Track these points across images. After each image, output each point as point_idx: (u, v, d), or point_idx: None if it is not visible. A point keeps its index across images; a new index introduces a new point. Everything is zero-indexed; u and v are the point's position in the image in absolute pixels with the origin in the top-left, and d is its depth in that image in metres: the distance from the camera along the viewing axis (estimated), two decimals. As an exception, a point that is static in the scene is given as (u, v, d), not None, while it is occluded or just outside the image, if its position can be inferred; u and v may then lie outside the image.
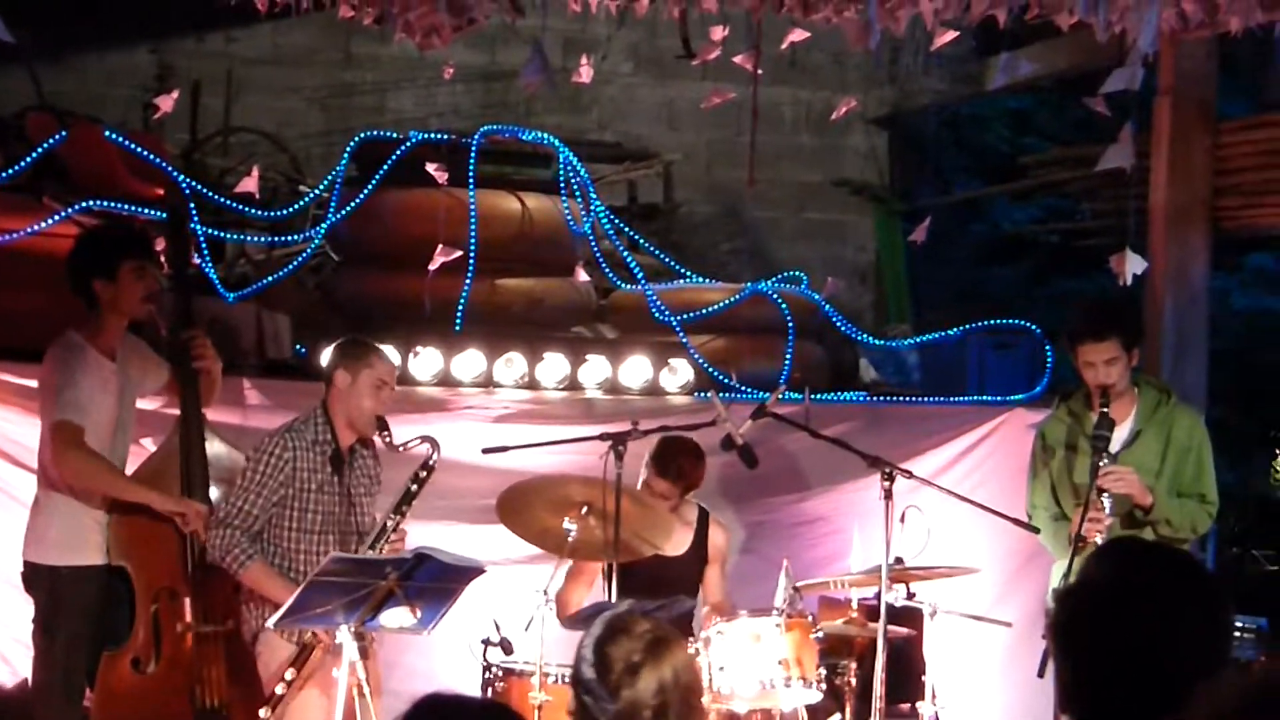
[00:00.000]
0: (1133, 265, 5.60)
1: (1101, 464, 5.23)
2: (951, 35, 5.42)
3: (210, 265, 6.84)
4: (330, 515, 5.12)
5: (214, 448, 5.39)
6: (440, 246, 6.64)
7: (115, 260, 5.30)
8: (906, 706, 5.76)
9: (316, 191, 7.48)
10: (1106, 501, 5.24)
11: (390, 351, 6.45)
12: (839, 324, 7.54)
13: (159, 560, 5.25)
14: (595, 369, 6.70)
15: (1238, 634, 6.42)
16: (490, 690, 5.16)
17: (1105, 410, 5.32)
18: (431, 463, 5.26)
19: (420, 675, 6.16)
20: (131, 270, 5.32)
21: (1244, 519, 9.64)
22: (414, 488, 5.22)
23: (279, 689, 4.94)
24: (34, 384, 5.43)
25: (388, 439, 5.19)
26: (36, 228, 6.32)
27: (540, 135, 7.51)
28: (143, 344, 5.64)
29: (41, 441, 5.33)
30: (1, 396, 5.89)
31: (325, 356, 5.41)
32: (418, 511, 6.20)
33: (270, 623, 4.77)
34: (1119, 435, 5.47)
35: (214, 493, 5.29)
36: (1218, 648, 2.26)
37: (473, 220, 6.90)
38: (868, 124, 10.67)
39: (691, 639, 5.10)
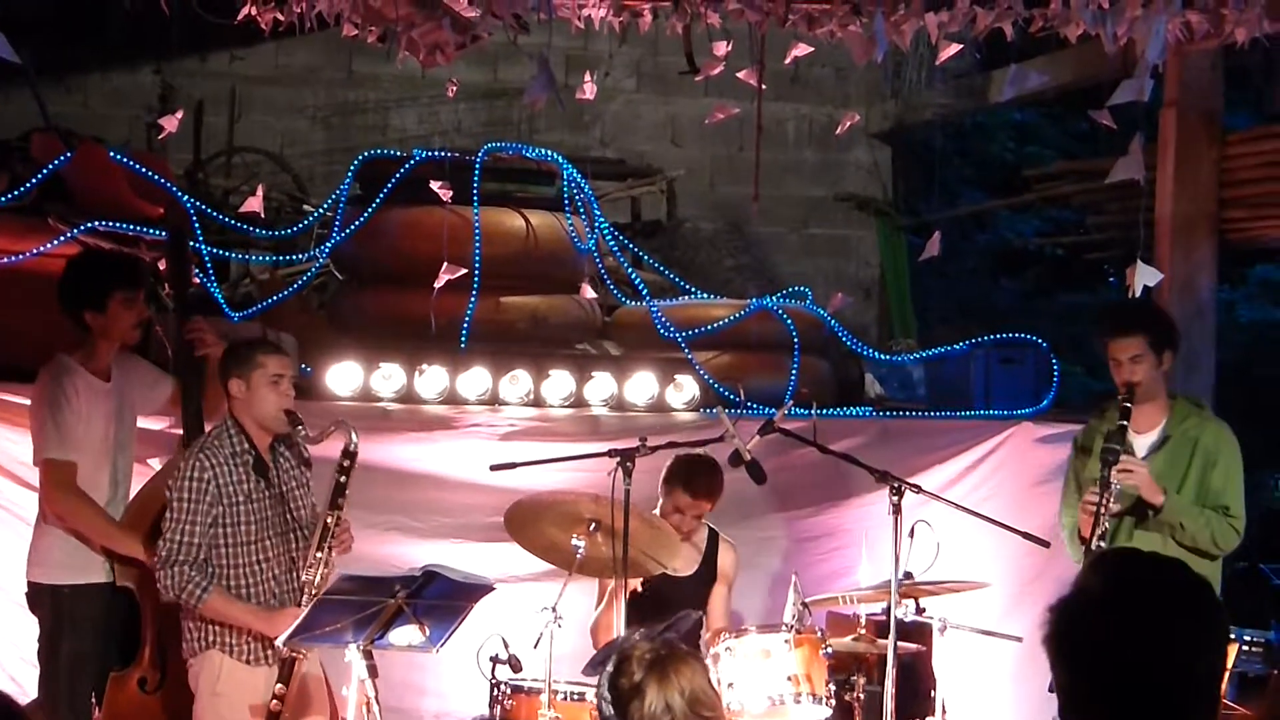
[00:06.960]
0: (1144, 277, 5.57)
1: (1110, 476, 5.19)
2: (956, 48, 5.42)
3: (215, 285, 6.83)
4: (263, 520, 5.03)
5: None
6: (445, 264, 6.62)
7: (104, 292, 5.31)
8: (917, 722, 5.73)
9: (320, 210, 7.48)
10: (1114, 491, 5.16)
11: (395, 370, 6.45)
12: (844, 339, 7.53)
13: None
14: (601, 386, 6.69)
15: (1246, 648, 6.37)
16: (499, 708, 5.13)
17: (1125, 424, 5.26)
18: (352, 448, 5.07)
19: (429, 693, 6.15)
20: (120, 301, 5.33)
21: (1249, 532, 9.57)
22: (343, 479, 5.04)
23: (274, 705, 4.85)
24: (33, 403, 5.43)
25: (303, 433, 5.07)
26: (42, 249, 6.32)
27: (544, 152, 7.50)
28: (142, 362, 5.63)
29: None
30: (5, 416, 5.88)
31: (218, 369, 5.24)
32: (426, 530, 6.21)
33: (280, 640, 4.75)
34: (1146, 440, 5.41)
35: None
36: (1212, 657, 2.25)
37: (477, 238, 6.89)
38: (871, 138, 10.68)
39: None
